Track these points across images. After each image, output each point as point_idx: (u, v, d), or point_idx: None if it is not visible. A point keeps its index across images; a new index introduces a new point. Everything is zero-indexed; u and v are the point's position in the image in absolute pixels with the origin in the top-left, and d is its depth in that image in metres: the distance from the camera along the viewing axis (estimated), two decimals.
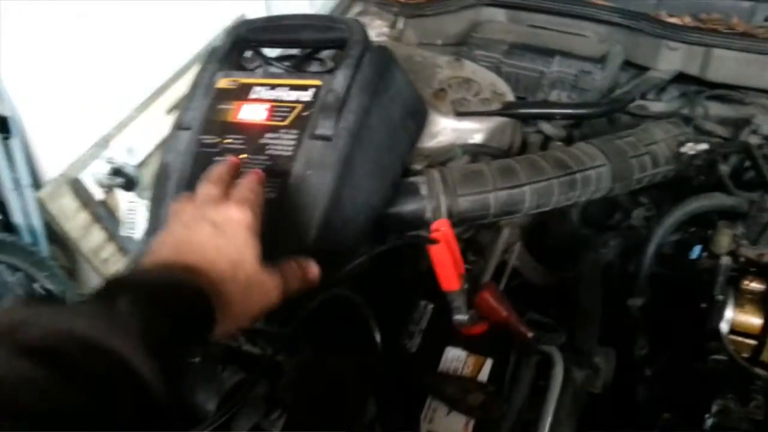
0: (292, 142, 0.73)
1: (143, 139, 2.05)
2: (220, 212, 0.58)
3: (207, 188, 0.63)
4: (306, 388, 0.78)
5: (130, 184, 2.03)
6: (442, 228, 0.72)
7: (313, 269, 0.65)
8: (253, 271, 0.57)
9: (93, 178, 1.99)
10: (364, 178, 0.75)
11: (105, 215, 2.06)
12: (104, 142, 1.98)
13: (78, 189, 1.96)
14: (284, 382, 0.80)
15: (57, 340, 0.41)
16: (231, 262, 0.55)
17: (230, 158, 0.71)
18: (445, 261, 0.72)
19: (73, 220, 1.98)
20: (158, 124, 1.99)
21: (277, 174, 0.71)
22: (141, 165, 2.06)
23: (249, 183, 0.64)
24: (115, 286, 0.49)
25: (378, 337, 0.67)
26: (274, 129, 0.74)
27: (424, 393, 0.75)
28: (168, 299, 0.49)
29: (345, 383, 0.77)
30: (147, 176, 2.03)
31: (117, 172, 2.00)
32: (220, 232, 0.56)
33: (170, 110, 2.03)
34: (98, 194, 2.03)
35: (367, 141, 0.74)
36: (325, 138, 0.71)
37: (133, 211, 2.11)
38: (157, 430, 0.43)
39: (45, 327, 0.42)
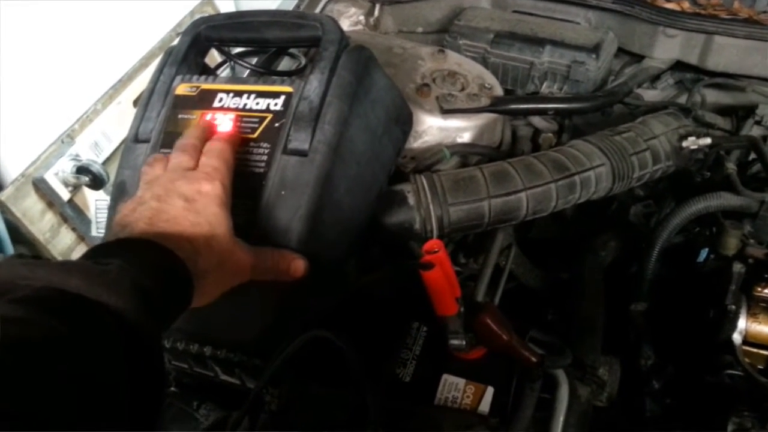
0: (263, 158, 0.64)
1: (109, 133, 1.96)
2: (191, 185, 0.58)
3: (179, 157, 0.62)
4: (289, 420, 0.72)
5: (97, 182, 1.94)
6: (435, 249, 0.64)
7: (297, 264, 0.62)
8: (225, 247, 0.58)
9: (58, 177, 1.89)
10: (346, 196, 0.67)
11: (74, 215, 1.97)
12: (68, 139, 1.89)
13: (43, 189, 1.87)
14: (266, 415, 0.74)
15: (51, 291, 0.42)
16: (204, 237, 0.56)
17: (203, 122, 0.67)
18: (441, 286, 0.64)
19: (40, 222, 1.90)
20: (125, 116, 1.89)
21: (246, 195, 0.62)
22: (108, 161, 1.96)
23: (218, 149, 0.62)
24: (105, 251, 0.51)
25: (365, 382, 0.60)
26: (241, 143, 0.66)
27: (420, 428, 0.68)
28: (154, 266, 0.50)
29: (331, 416, 0.71)
30: (114, 173, 1.93)
31: (83, 170, 1.91)
32: (192, 206, 0.57)
33: (137, 102, 1.93)
34: (65, 194, 1.93)
35: (347, 154, 0.66)
36: (300, 153, 0.63)
37: (103, 209, 2.02)
38: (147, 375, 0.44)
39: (40, 283, 0.43)
